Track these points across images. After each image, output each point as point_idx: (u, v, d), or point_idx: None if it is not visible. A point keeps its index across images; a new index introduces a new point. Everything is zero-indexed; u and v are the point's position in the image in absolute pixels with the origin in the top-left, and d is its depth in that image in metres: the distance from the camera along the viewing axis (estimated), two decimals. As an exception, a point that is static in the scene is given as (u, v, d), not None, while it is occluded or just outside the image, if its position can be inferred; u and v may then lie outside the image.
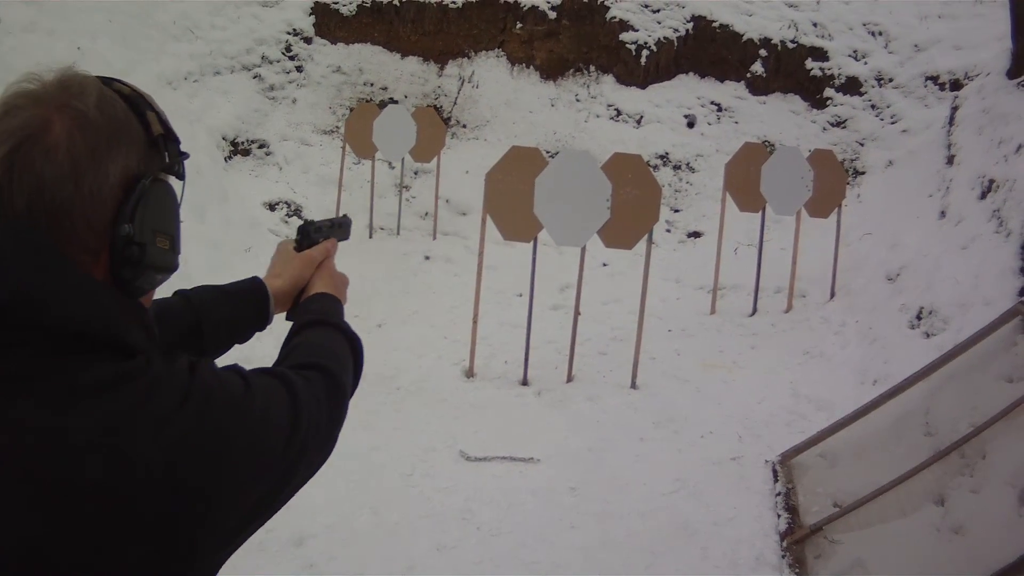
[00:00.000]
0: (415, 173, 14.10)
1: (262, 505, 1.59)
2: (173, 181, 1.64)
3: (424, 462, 6.81)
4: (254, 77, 14.62)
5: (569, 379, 8.40)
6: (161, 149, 1.60)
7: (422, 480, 6.55)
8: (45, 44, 10.56)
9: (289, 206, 12.85)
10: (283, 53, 15.10)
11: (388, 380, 8.31)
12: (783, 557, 5.50)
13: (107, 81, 1.56)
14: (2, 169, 1.37)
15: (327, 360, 1.93)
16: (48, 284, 1.35)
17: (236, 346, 2.30)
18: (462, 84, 15.23)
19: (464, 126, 14.99)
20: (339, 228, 2.62)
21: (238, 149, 13.55)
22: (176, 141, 1.64)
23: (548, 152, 12.93)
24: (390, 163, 13.74)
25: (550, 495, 6.33)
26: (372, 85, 15.25)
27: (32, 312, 1.34)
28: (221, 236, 10.72)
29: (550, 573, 5.48)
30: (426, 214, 13.31)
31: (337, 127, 14.49)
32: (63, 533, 1.28)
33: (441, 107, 15.01)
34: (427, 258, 12.13)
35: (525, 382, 8.33)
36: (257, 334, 2.33)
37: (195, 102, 13.22)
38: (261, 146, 13.77)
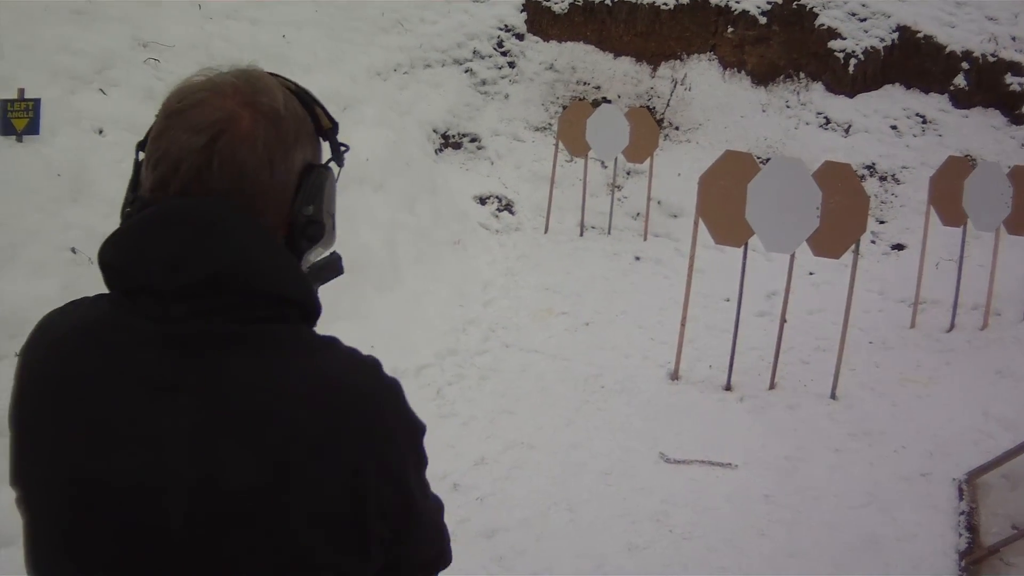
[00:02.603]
0: (628, 173, 14.23)
1: None
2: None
3: (623, 462, 6.98)
4: (465, 71, 14.93)
5: (771, 386, 8.47)
6: (328, 140, 1.77)
7: (620, 479, 6.72)
8: (248, 31, 11.08)
9: (500, 200, 13.17)
10: (495, 48, 15.40)
11: (593, 379, 8.52)
12: (960, 577, 5.64)
13: (274, 77, 1.71)
14: (204, 156, 1.50)
15: None
16: (262, 255, 1.53)
17: None
18: (675, 86, 15.36)
19: (677, 128, 15.12)
20: None
21: (449, 142, 13.88)
22: (338, 132, 1.81)
23: (759, 158, 12.77)
24: (603, 162, 13.85)
25: (744, 501, 6.47)
26: (585, 84, 15.49)
27: (251, 279, 1.50)
28: (430, 227, 11.03)
29: (736, 579, 5.69)
30: (637, 215, 13.47)
31: (550, 124, 14.71)
32: (284, 475, 1.44)
33: (654, 108, 15.10)
34: (637, 259, 12.28)
35: (728, 387, 8.41)
36: None
37: (405, 94, 13.54)
38: (472, 140, 14.13)
